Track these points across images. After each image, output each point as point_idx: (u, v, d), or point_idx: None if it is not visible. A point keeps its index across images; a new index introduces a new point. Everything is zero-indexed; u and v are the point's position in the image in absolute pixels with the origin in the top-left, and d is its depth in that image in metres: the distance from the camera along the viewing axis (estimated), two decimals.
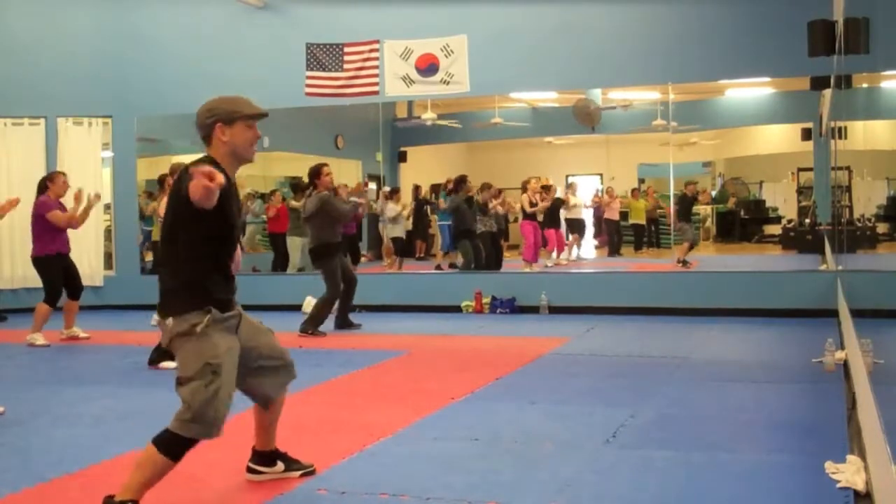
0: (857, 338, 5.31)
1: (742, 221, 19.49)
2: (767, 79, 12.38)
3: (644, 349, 7.37)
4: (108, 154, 11.61)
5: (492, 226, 12.13)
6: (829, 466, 3.75)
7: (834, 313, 8.31)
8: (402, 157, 15.95)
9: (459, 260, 11.93)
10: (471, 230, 11.52)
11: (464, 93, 10.43)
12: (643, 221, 17.21)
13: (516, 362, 6.76)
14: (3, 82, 10.98)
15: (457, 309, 10.19)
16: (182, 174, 3.27)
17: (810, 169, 15.97)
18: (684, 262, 12.43)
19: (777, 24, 9.18)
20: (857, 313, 5.91)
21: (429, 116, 14.43)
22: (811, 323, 8.36)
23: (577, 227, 15.70)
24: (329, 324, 8.95)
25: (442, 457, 4.18)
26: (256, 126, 3.43)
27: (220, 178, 3.05)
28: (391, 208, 13.90)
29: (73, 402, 5.63)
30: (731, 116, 16.84)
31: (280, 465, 3.87)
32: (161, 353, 6.80)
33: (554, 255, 14.60)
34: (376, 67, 10.51)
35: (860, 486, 3.51)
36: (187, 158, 7.07)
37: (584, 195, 16.74)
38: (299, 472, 3.87)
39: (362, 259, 14.83)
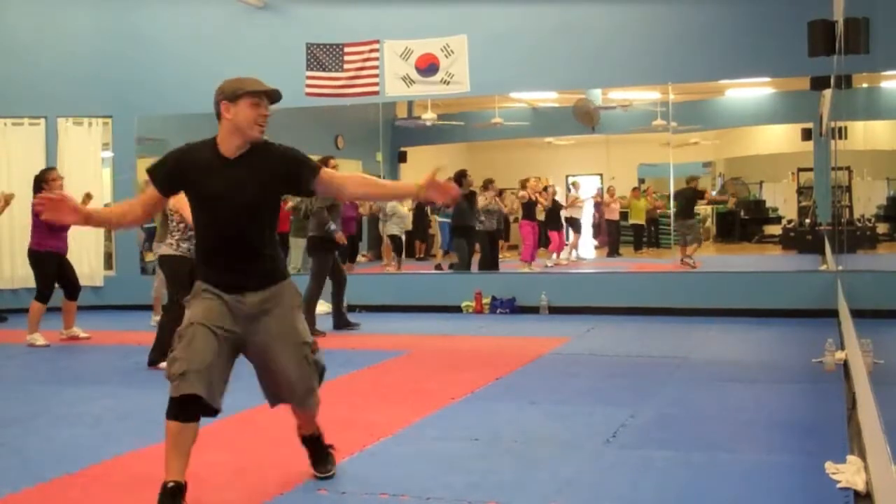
0: (857, 338, 5.31)
1: (742, 221, 19.49)
2: (767, 79, 12.40)
3: (644, 349, 7.37)
4: (108, 154, 11.61)
5: (492, 225, 12.12)
6: (829, 466, 3.75)
7: (834, 313, 8.31)
8: (402, 157, 15.94)
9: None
10: (469, 227, 11.50)
11: (464, 93, 10.43)
12: (643, 221, 17.22)
13: (516, 362, 6.76)
14: (3, 82, 10.98)
15: (457, 309, 10.19)
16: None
17: (810, 169, 15.98)
18: (690, 260, 12.40)
19: (777, 24, 9.18)
20: (857, 313, 5.91)
21: (429, 116, 14.44)
22: (811, 323, 8.36)
23: (576, 226, 15.71)
24: (328, 324, 8.96)
25: (442, 457, 4.18)
26: (264, 105, 3.46)
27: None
28: (392, 206, 13.87)
29: (73, 402, 5.63)
30: (731, 116, 16.84)
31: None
32: (160, 354, 6.79)
33: (554, 255, 14.61)
34: (376, 68, 10.52)
35: (860, 486, 3.51)
36: None
37: (587, 191, 16.78)
38: (317, 473, 3.83)
39: (362, 259, 14.85)
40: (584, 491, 3.69)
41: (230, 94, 3.42)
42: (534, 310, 9.92)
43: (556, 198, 15.04)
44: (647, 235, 17.66)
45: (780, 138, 18.21)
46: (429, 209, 16.24)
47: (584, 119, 14.72)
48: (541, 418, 4.99)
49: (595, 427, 4.66)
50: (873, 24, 4.45)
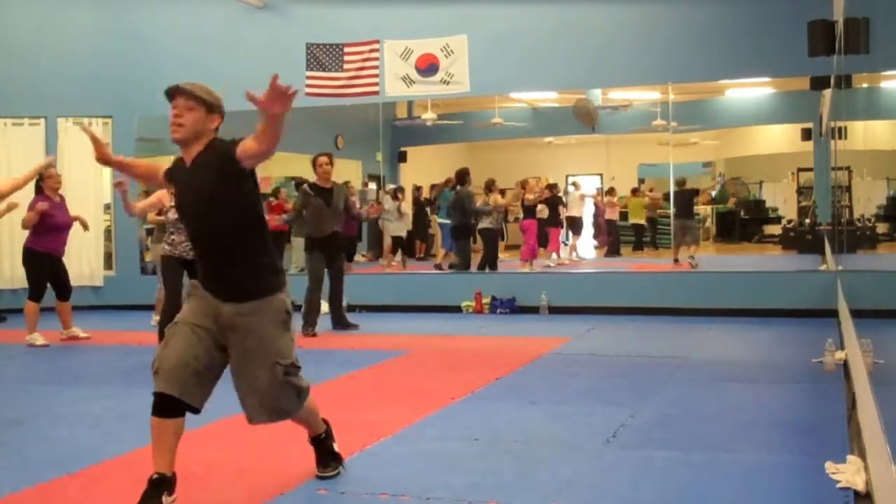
0: (857, 338, 5.31)
1: (742, 221, 19.49)
2: (767, 79, 12.40)
3: (644, 349, 7.37)
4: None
5: (497, 224, 12.13)
6: (829, 466, 3.75)
7: (834, 313, 8.31)
8: (402, 157, 15.95)
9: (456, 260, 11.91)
10: (470, 227, 11.50)
11: (464, 93, 10.43)
12: (643, 221, 17.21)
13: (516, 362, 6.76)
14: (3, 82, 10.99)
15: (457, 309, 10.19)
16: None
17: (810, 169, 15.98)
18: (692, 261, 12.39)
19: (777, 24, 9.18)
20: (856, 313, 5.91)
21: (429, 116, 14.45)
22: (811, 323, 8.36)
23: (576, 225, 15.71)
24: (328, 324, 8.96)
25: (442, 457, 4.18)
26: (177, 104, 3.37)
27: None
28: (394, 206, 13.88)
29: (73, 402, 5.63)
30: (731, 116, 16.84)
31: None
32: None
33: (554, 255, 14.62)
34: (376, 67, 10.52)
35: (860, 486, 3.51)
36: None
37: (586, 190, 16.80)
38: (320, 471, 3.83)
39: (362, 259, 14.85)
40: (584, 491, 3.69)
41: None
42: (534, 310, 9.92)
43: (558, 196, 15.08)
44: (648, 235, 17.66)
45: (780, 138, 18.21)
46: (428, 209, 16.24)
47: (584, 119, 14.73)
48: (541, 418, 4.99)
49: (595, 427, 4.66)
50: (873, 24, 4.45)
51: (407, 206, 14.64)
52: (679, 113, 13.25)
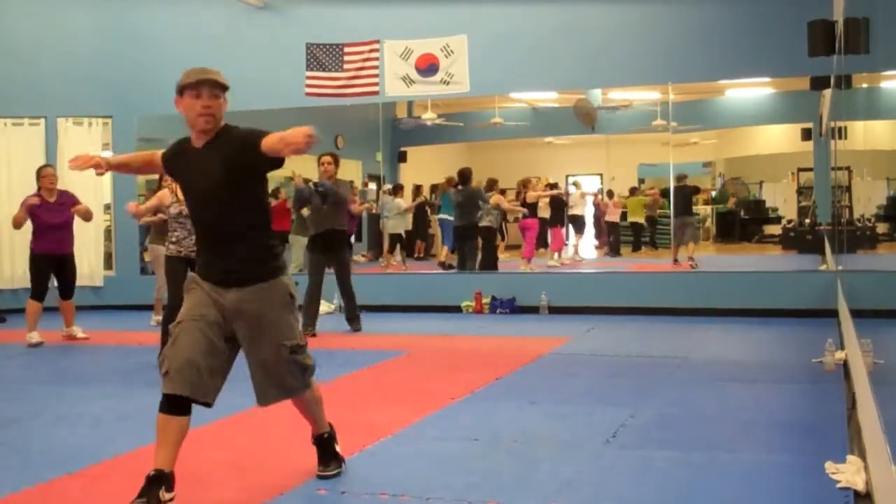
0: (857, 338, 5.31)
1: (742, 221, 19.48)
2: (767, 79, 12.39)
3: (644, 349, 7.37)
4: (109, 154, 11.60)
5: (497, 222, 12.15)
6: (829, 466, 3.75)
7: (834, 313, 8.31)
8: (402, 157, 15.94)
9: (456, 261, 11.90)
10: (477, 226, 11.50)
11: (464, 93, 10.43)
12: (642, 220, 17.21)
13: (516, 362, 6.76)
14: (3, 82, 10.98)
15: (457, 309, 10.19)
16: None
17: (810, 169, 15.97)
18: (692, 262, 12.40)
19: (777, 24, 9.18)
20: (856, 313, 5.91)
21: (429, 116, 14.44)
22: (811, 323, 8.36)
23: (578, 224, 15.71)
24: (328, 324, 8.96)
25: (442, 457, 4.18)
26: (206, 95, 3.45)
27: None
28: (396, 204, 13.89)
29: (73, 402, 5.63)
30: (731, 116, 16.84)
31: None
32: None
33: (556, 255, 14.62)
34: (376, 68, 10.52)
35: (860, 486, 3.51)
36: None
37: (587, 188, 16.81)
38: (321, 470, 3.83)
39: (362, 259, 14.85)
40: (584, 491, 3.69)
41: (177, 88, 3.51)
42: (534, 310, 9.92)
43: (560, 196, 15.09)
44: (647, 235, 17.65)
45: (780, 138, 18.21)
46: (428, 209, 16.24)
47: (585, 119, 14.72)
48: (541, 418, 4.99)
49: (595, 427, 4.66)
50: (873, 24, 4.45)
51: (406, 202, 14.63)
52: (679, 113, 13.24)
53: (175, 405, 3.36)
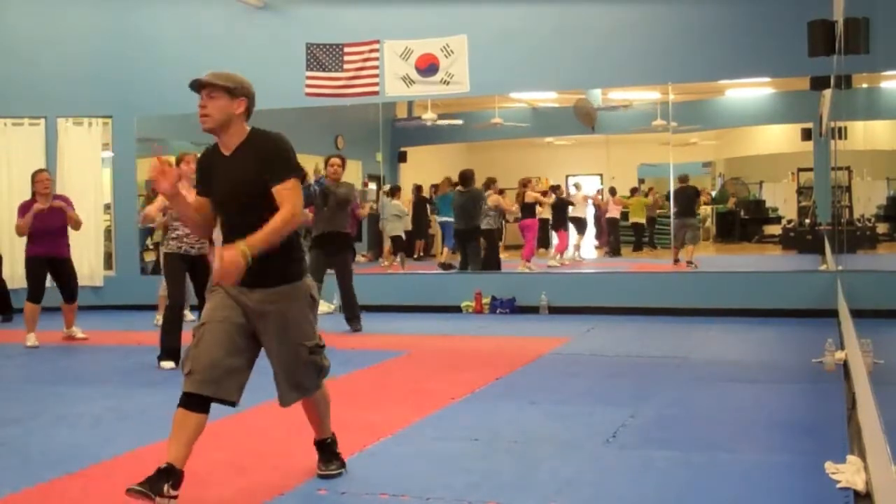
0: (857, 338, 5.31)
1: (742, 221, 19.49)
2: (767, 79, 12.39)
3: (644, 349, 7.37)
4: (108, 154, 11.61)
5: (496, 223, 12.16)
6: (829, 466, 3.75)
7: (834, 313, 8.31)
8: (402, 157, 15.94)
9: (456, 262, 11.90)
10: (480, 228, 11.50)
11: (464, 93, 10.43)
12: (643, 220, 17.21)
13: (516, 362, 6.76)
14: (3, 82, 10.98)
15: (457, 309, 10.19)
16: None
17: (810, 169, 15.98)
18: (691, 266, 12.41)
19: (777, 24, 9.18)
20: (856, 313, 5.91)
21: (429, 116, 14.44)
22: (811, 323, 8.36)
23: (579, 225, 15.72)
24: (328, 324, 8.96)
25: (442, 457, 4.18)
26: (202, 97, 3.55)
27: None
28: (394, 205, 13.89)
29: (73, 402, 5.63)
30: (731, 116, 16.84)
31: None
32: (161, 352, 6.82)
33: (558, 255, 14.63)
34: (376, 68, 10.51)
35: (860, 486, 3.51)
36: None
37: (587, 190, 16.82)
38: (322, 468, 3.86)
39: (362, 259, 14.85)
40: (584, 491, 3.69)
41: None
42: (534, 310, 9.92)
43: (562, 197, 15.10)
44: (647, 235, 17.65)
45: (780, 138, 18.21)
46: (429, 209, 16.24)
47: (585, 119, 14.72)
48: (541, 418, 4.99)
49: (595, 427, 4.66)
50: (873, 24, 4.45)
51: (405, 205, 14.63)
52: (679, 113, 13.24)
53: (195, 402, 3.38)
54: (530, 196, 13.06)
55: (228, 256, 3.28)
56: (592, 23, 10.01)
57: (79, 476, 3.99)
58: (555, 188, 16.49)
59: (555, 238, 15.10)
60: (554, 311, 9.83)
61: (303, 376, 3.62)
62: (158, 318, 9.24)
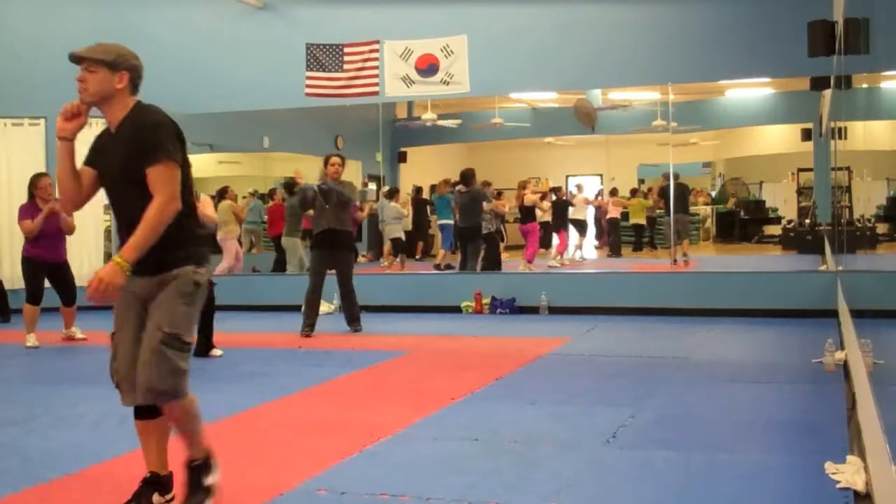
0: (857, 338, 5.31)
1: (742, 222, 19.51)
2: (767, 79, 12.41)
3: (644, 349, 7.37)
4: None
5: (495, 225, 12.16)
6: (829, 467, 3.75)
7: (834, 313, 8.31)
8: (402, 158, 15.96)
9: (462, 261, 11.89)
10: (482, 227, 11.51)
11: (464, 93, 10.42)
12: (643, 221, 17.23)
13: (516, 362, 6.76)
14: (3, 82, 10.98)
15: (457, 309, 10.18)
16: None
17: (810, 169, 16.00)
18: (685, 258, 12.45)
19: (777, 24, 9.18)
20: (856, 313, 5.91)
21: (429, 117, 14.45)
22: (811, 323, 8.36)
23: (580, 227, 15.74)
24: (328, 324, 8.95)
25: (442, 457, 4.18)
26: (81, 70, 3.55)
27: None
28: (392, 208, 13.90)
29: (73, 403, 5.63)
30: (731, 117, 16.87)
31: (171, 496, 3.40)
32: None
33: (559, 255, 14.64)
34: (376, 68, 10.51)
35: (860, 486, 3.51)
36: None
37: (588, 192, 16.84)
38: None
39: (362, 259, 14.87)
40: (584, 491, 3.69)
41: None
42: (534, 310, 9.92)
43: (564, 198, 15.10)
44: (647, 236, 17.67)
45: (780, 138, 18.24)
46: (428, 209, 16.24)
47: (585, 119, 14.73)
48: (541, 418, 4.99)
49: (595, 427, 4.66)
50: (873, 24, 4.46)
51: (403, 207, 14.63)
52: (679, 113, 13.26)
53: (140, 410, 3.36)
54: (529, 199, 13.06)
55: (105, 274, 3.08)
56: (592, 23, 10.01)
57: (79, 476, 3.99)
58: (556, 189, 16.52)
59: (555, 239, 15.12)
60: (554, 311, 9.83)
61: (153, 368, 3.19)
62: None
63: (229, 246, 12.21)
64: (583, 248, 15.89)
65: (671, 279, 10.63)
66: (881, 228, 5.56)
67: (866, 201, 6.14)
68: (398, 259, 13.93)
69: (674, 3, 9.89)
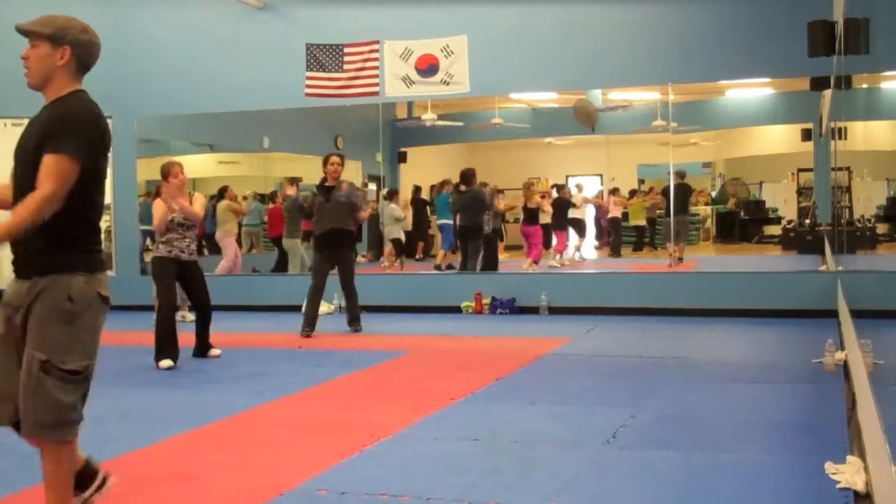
0: (856, 338, 5.31)
1: (742, 222, 19.50)
2: (767, 79, 12.39)
3: (644, 349, 7.37)
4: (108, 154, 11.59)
5: (496, 225, 12.19)
6: (829, 467, 3.75)
7: (834, 313, 8.31)
8: (402, 158, 15.95)
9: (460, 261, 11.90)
10: (482, 227, 11.50)
11: (464, 93, 10.42)
12: (643, 222, 17.23)
13: (516, 362, 6.76)
14: (3, 82, 10.97)
15: (457, 309, 10.18)
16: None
17: (810, 169, 15.99)
18: (677, 254, 12.44)
19: (777, 24, 9.18)
20: (856, 314, 5.91)
21: (429, 117, 14.44)
22: (811, 323, 8.36)
23: (578, 227, 15.73)
24: (328, 324, 8.95)
25: (442, 457, 4.18)
26: (28, 46, 3.13)
27: None
28: (391, 209, 13.90)
29: None
30: (731, 117, 16.85)
31: None
32: (156, 351, 6.86)
33: (559, 256, 14.63)
34: (376, 68, 10.51)
35: (860, 486, 3.51)
36: (185, 158, 7.04)
37: (588, 192, 16.85)
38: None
39: (362, 259, 14.87)
40: (584, 491, 3.69)
41: None
42: (534, 310, 9.92)
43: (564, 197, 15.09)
44: (648, 236, 17.67)
45: (780, 139, 18.22)
46: (428, 209, 16.24)
47: (584, 120, 14.73)
48: (541, 418, 4.99)
49: (595, 427, 4.66)
50: (873, 24, 4.45)
51: (402, 207, 14.64)
52: (679, 113, 13.24)
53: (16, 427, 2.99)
54: (534, 202, 13.07)
55: None
56: (592, 23, 10.00)
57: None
58: (559, 187, 16.50)
59: (554, 239, 15.12)
60: (554, 311, 9.83)
61: (31, 399, 2.79)
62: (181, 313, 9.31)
63: (228, 244, 12.22)
64: (581, 250, 15.89)
65: (671, 279, 10.63)
66: (881, 228, 5.55)
67: (866, 201, 6.13)
68: (398, 261, 13.93)
69: (674, 3, 9.88)
